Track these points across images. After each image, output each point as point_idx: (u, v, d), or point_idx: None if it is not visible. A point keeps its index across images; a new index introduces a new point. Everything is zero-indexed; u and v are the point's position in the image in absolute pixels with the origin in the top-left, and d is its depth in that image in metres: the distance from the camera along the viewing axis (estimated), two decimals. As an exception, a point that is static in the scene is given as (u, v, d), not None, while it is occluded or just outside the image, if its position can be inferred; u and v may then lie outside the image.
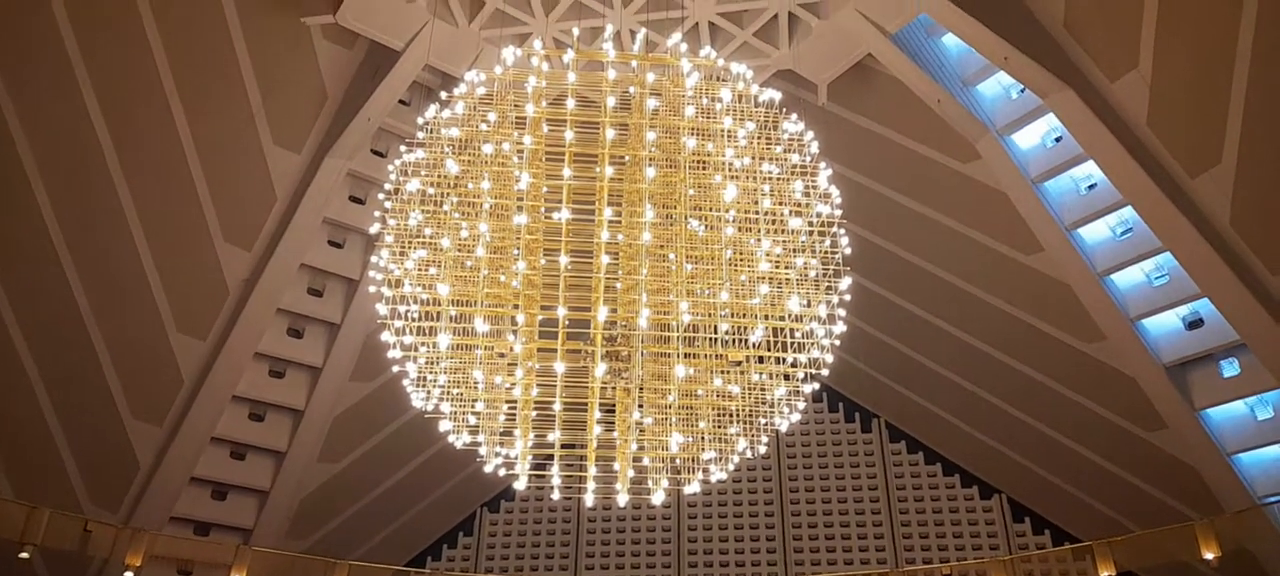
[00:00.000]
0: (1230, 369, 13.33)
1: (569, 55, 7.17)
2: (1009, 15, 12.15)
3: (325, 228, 14.74)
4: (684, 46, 7.57)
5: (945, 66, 13.24)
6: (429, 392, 7.51)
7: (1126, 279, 13.64)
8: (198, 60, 12.61)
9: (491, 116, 7.31)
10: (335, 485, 16.05)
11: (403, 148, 7.69)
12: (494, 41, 12.58)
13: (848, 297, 7.40)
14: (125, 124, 12.51)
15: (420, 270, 7.27)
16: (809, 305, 7.16)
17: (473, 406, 7.37)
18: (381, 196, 7.71)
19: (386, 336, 7.36)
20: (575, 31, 8.28)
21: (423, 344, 7.29)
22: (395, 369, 7.49)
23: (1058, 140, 13.19)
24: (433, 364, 7.38)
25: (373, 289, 7.56)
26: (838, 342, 7.38)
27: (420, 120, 7.65)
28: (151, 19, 12.03)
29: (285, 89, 13.38)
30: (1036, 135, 13.41)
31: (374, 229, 7.67)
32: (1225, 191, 11.86)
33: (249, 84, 13.06)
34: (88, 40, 11.81)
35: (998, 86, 13.38)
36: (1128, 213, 13.00)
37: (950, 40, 13.10)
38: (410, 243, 7.32)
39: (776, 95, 7.43)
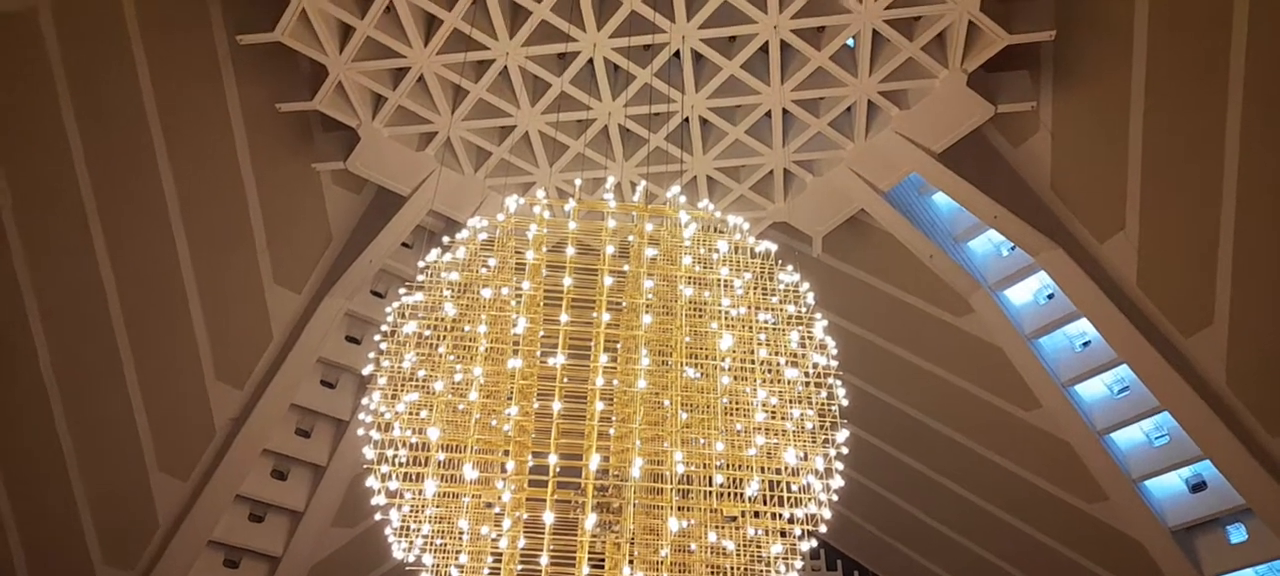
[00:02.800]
0: (1238, 534, 12.99)
1: (571, 204, 7.35)
2: (998, 176, 12.57)
3: (319, 367, 14.66)
4: (682, 198, 7.77)
5: (937, 223, 13.58)
6: (411, 542, 7.25)
7: (1127, 438, 13.50)
8: (208, 200, 12.90)
9: (492, 261, 7.43)
10: (309, 638, 15.26)
11: (402, 289, 7.76)
12: (498, 189, 12.93)
13: (845, 450, 7.27)
14: (129, 261, 12.65)
15: (411, 413, 7.18)
16: (806, 458, 7.03)
17: (456, 558, 7.10)
18: (377, 337, 7.71)
19: (372, 481, 7.18)
20: (578, 182, 8.51)
21: (408, 490, 7.10)
22: (378, 516, 7.26)
23: (1050, 297, 13.36)
24: (417, 511, 7.16)
25: (361, 432, 7.44)
26: (836, 497, 7.19)
27: (421, 263, 7.75)
28: (166, 160, 12.38)
29: (291, 230, 13.64)
30: (1029, 292, 13.59)
31: (367, 370, 7.62)
32: (1219, 352, 11.92)
33: (256, 225, 13.31)
34: (100, 177, 12.11)
35: (989, 243, 13.68)
36: (1124, 371, 13.01)
37: (941, 198, 13.50)
38: (403, 385, 7.26)
39: (772, 246, 7.57)
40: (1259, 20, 10.18)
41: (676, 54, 11.46)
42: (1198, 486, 13.14)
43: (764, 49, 11.31)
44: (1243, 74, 10.46)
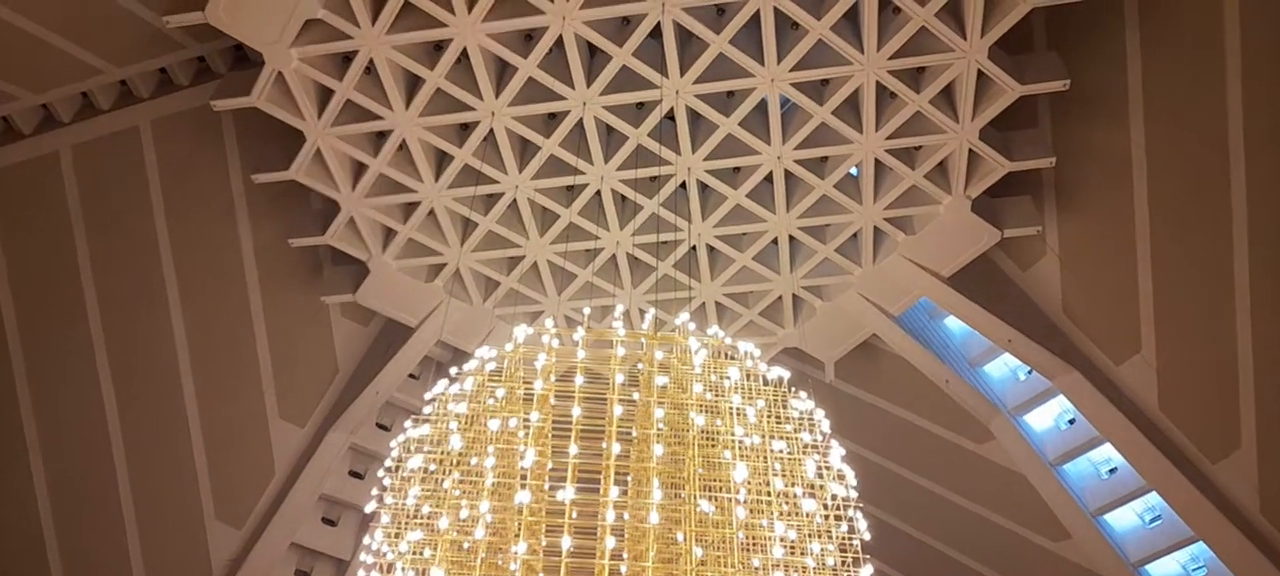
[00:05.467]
0: (1285, 671, 12.17)
1: (579, 332, 7.28)
2: (1008, 300, 12.51)
3: (320, 504, 14.27)
4: (692, 325, 7.70)
5: (950, 347, 13.43)
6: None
7: (1163, 570, 12.87)
8: (216, 337, 12.91)
9: (500, 392, 7.29)
10: None
11: (408, 422, 7.59)
12: (507, 319, 12.92)
13: (870, 588, 6.90)
14: (133, 398, 12.57)
15: (415, 552, 6.88)
16: (829, 596, 6.65)
17: None
18: (381, 472, 7.50)
19: (372, 627, 6.81)
20: (586, 310, 8.49)
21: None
22: (378, 666, 6.85)
23: (1071, 422, 13.04)
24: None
25: (362, 573, 7.11)
26: (862, 639, 6.77)
27: (427, 395, 7.61)
28: (177, 298, 12.47)
29: (298, 364, 13.58)
30: (1050, 417, 13.28)
31: (370, 507, 7.37)
32: (1251, 477, 11.51)
33: (263, 360, 13.27)
34: (110, 313, 12.18)
35: (1005, 367, 13.47)
36: (1154, 498, 12.55)
37: (954, 322, 13.41)
38: (406, 523, 6.99)
39: (785, 373, 7.43)
40: (1254, 143, 10.34)
41: (683, 184, 11.66)
42: (1243, 621, 12.41)
43: (768, 179, 11.51)
44: (1244, 192, 10.54)
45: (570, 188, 11.76)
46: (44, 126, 11.64)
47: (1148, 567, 12.89)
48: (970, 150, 11.08)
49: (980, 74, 10.37)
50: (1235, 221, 10.69)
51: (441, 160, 11.59)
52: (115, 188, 11.89)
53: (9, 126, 11.53)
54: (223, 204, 12.33)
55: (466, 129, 11.24)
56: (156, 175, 11.92)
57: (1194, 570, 12.72)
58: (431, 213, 12.01)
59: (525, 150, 11.48)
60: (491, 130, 10.98)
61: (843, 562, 6.90)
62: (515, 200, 11.82)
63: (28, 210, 11.78)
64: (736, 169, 11.60)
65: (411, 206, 12.01)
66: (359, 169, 11.62)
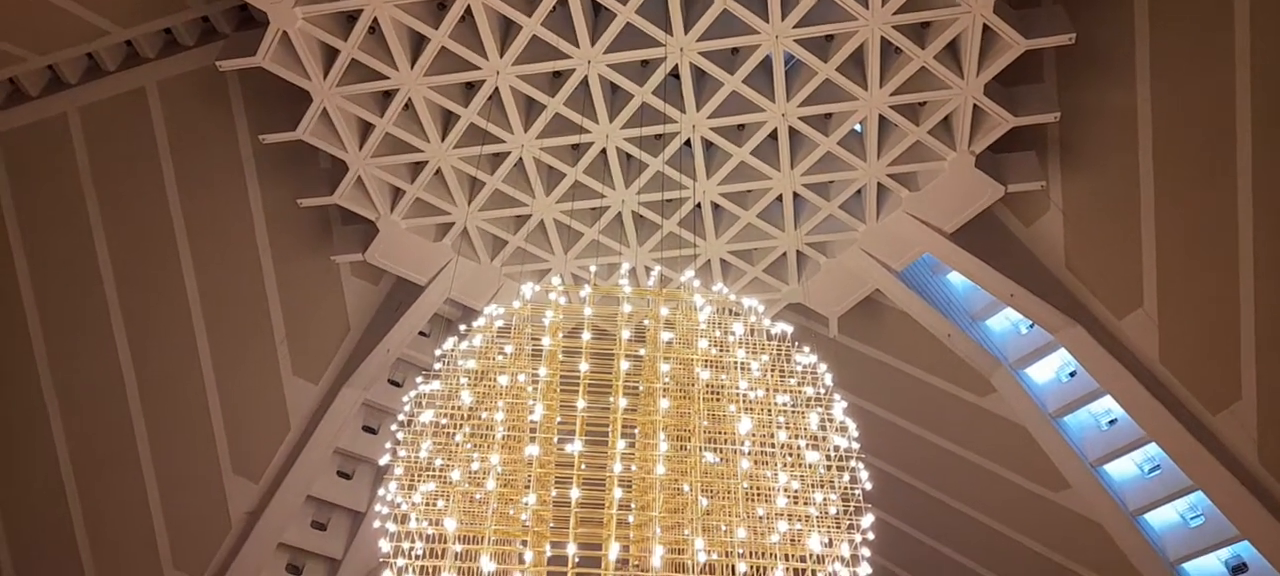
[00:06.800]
0: (1284, 618, 12.44)
1: (586, 290, 7.41)
2: (1011, 255, 12.57)
3: (335, 458, 14.58)
4: (697, 282, 7.82)
5: (953, 302, 13.53)
6: (429, 637, 7.07)
7: (1161, 519, 13.09)
8: (229, 295, 13.10)
9: (508, 348, 7.45)
10: None
11: (419, 378, 7.77)
12: (514, 277, 13.06)
13: (871, 536, 7.10)
14: (149, 355, 12.79)
15: (428, 504, 7.09)
16: (831, 544, 6.86)
17: (474, 653, 6.90)
18: (394, 427, 7.70)
19: (388, 575, 7.05)
20: (593, 268, 8.62)
21: (425, 583, 6.96)
22: (395, 611, 7.11)
23: (1072, 375, 13.18)
24: (434, 605, 7.01)
25: (378, 524, 7.34)
26: (863, 585, 6.98)
27: (438, 351, 7.78)
28: (189, 257, 12.63)
29: (310, 323, 13.77)
30: (1051, 370, 13.41)
31: (384, 460, 7.58)
32: (1250, 429, 11.65)
33: (275, 318, 13.47)
34: (124, 275, 12.35)
35: (1006, 321, 13.58)
36: (1153, 449, 12.72)
37: (957, 277, 13.49)
38: (419, 475, 7.20)
39: (788, 328, 7.55)
40: (1261, 103, 10.31)
41: (687, 142, 11.69)
42: (1238, 568, 12.67)
43: (773, 136, 11.53)
44: (1250, 151, 10.53)
45: (576, 146, 11.81)
46: (51, 88, 11.71)
47: (1146, 516, 13.11)
48: (975, 106, 11.06)
49: (985, 28, 10.32)
50: (1240, 179, 10.70)
51: (447, 120, 11.64)
52: (124, 150, 11.98)
53: (16, 88, 11.60)
54: (232, 165, 12.43)
55: (471, 88, 11.27)
56: (165, 137, 12.00)
57: (1192, 518, 12.93)
58: (438, 172, 12.09)
59: (530, 109, 11.52)
60: (497, 89, 11.02)
61: (844, 512, 7.09)
62: (521, 159, 11.88)
63: (39, 173, 11.90)
64: (741, 126, 11.62)
65: (418, 166, 12.09)
66: (365, 129, 11.68)
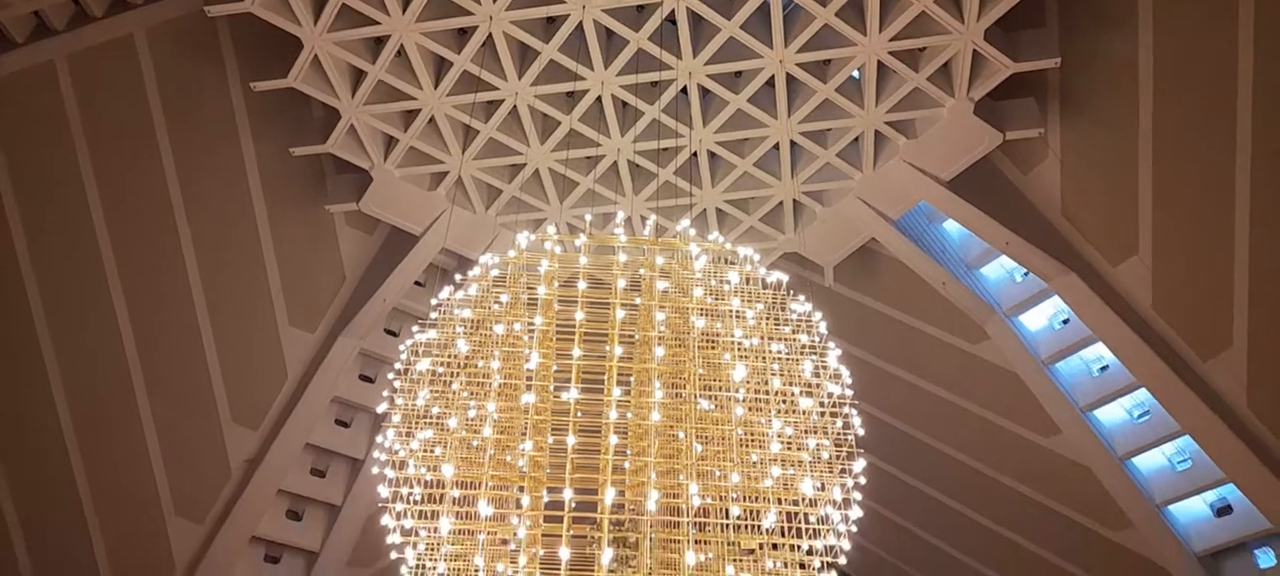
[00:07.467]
0: (1266, 559, 12.74)
1: (582, 239, 7.40)
2: (1007, 203, 12.55)
3: (333, 407, 14.69)
4: (692, 231, 7.81)
5: (948, 250, 13.55)
6: (428, 581, 7.20)
7: (1149, 463, 13.30)
8: (223, 245, 13.06)
9: (504, 298, 7.45)
10: (326, 682, 15.10)
11: (415, 327, 7.79)
12: (510, 226, 13.03)
13: (863, 480, 7.20)
14: (145, 305, 12.78)
15: (426, 450, 7.17)
16: (823, 488, 6.96)
17: (473, 596, 7.05)
18: (391, 375, 7.74)
19: (387, 520, 7.16)
20: (588, 217, 8.59)
21: (424, 528, 7.07)
22: (394, 555, 7.23)
23: (1065, 322, 13.27)
24: (433, 549, 7.13)
25: (376, 470, 7.43)
26: (855, 527, 7.11)
27: (433, 301, 7.79)
28: (183, 207, 12.55)
29: (305, 273, 13.76)
30: (1044, 317, 13.50)
31: (382, 408, 7.64)
32: (1240, 375, 11.77)
33: (271, 270, 13.45)
34: (117, 225, 12.28)
35: (1001, 269, 13.62)
36: (1143, 394, 12.87)
37: (952, 225, 13.49)
38: (417, 423, 7.26)
39: (784, 277, 7.57)
40: (1263, 56, 10.20)
41: (684, 90, 11.57)
42: (1223, 510, 12.92)
43: (770, 83, 11.42)
44: (1250, 103, 10.46)
45: (571, 94, 11.69)
46: (37, 34, 11.50)
47: (1135, 460, 13.31)
48: (975, 51, 10.95)
49: (988, -30, 10.18)
50: (1239, 131, 10.64)
51: (441, 67, 11.50)
52: (115, 101, 11.82)
53: (2, 35, 11.40)
54: (224, 115, 12.29)
55: (464, 34, 11.11)
56: (155, 87, 11.84)
57: (1179, 462, 13.13)
58: (432, 120, 11.98)
59: (525, 56, 11.37)
60: (490, 35, 10.86)
61: (837, 457, 7.18)
62: (515, 107, 11.77)
63: (29, 123, 11.74)
64: (738, 73, 11.49)
65: (412, 114, 11.97)
66: (358, 77, 11.54)
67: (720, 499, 6.69)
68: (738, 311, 7.12)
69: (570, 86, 11.40)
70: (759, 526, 6.70)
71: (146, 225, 12.52)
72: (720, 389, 7.02)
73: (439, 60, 11.43)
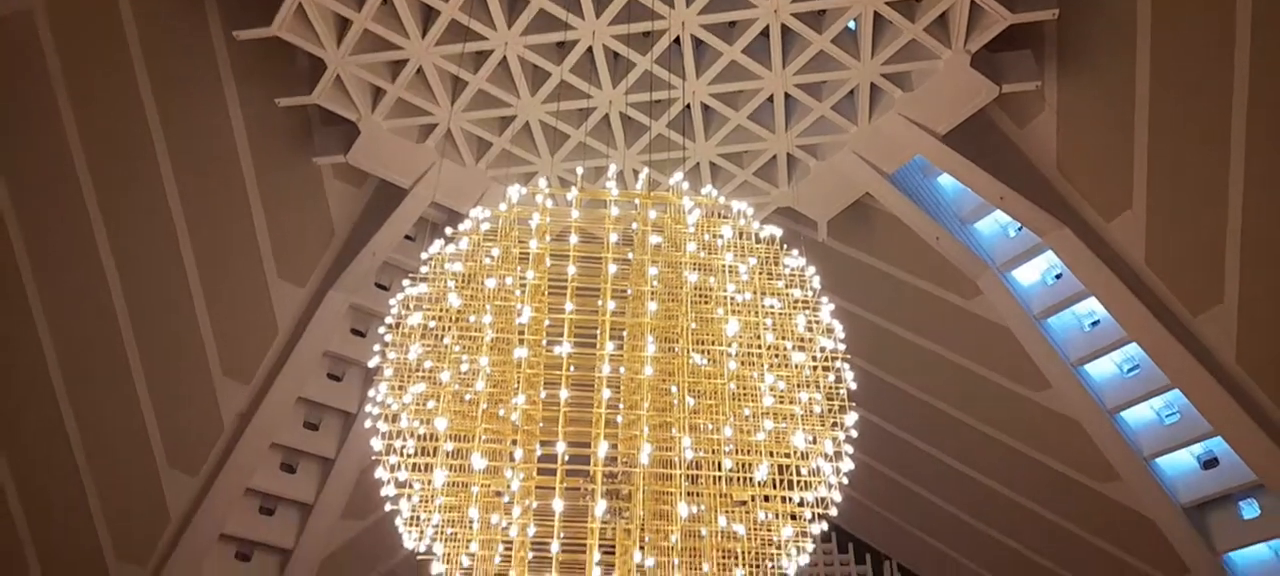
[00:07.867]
0: (1250, 510, 12.96)
1: (573, 193, 7.31)
2: (1003, 157, 12.48)
3: (325, 361, 14.67)
4: (686, 185, 7.72)
5: (943, 205, 13.50)
6: (422, 532, 7.24)
7: (1137, 416, 13.44)
8: (210, 198, 12.90)
9: (495, 252, 7.38)
10: (322, 631, 15.31)
11: (406, 282, 7.73)
12: (500, 180, 12.89)
13: (854, 433, 7.24)
14: (133, 260, 12.66)
15: (418, 404, 7.15)
16: (815, 441, 6.99)
17: (466, 547, 7.09)
18: (382, 330, 7.70)
19: (381, 472, 7.17)
20: (579, 170, 8.48)
21: (417, 481, 7.09)
22: (388, 507, 7.26)
23: (1058, 277, 13.29)
24: (427, 501, 7.16)
25: (369, 424, 7.42)
26: (846, 480, 7.16)
27: (424, 255, 7.72)
28: (168, 160, 12.36)
29: (294, 226, 13.63)
30: (1036, 272, 13.51)
31: (373, 362, 7.60)
32: (1230, 330, 11.84)
33: (259, 223, 13.31)
34: (101, 179, 12.09)
35: (995, 224, 13.60)
36: (1133, 349, 12.95)
37: (947, 180, 13.42)
38: (409, 376, 7.24)
39: (777, 231, 7.51)
40: (1262, 12, 10.07)
41: (676, 40, 11.38)
42: (1209, 463, 13.10)
43: (764, 33, 11.23)
44: (1248, 52, 10.36)
45: (561, 44, 11.48)
46: (15, -18, 11.18)
47: (1123, 414, 13.44)
48: (972, 1, 10.78)
49: (986, -81, 9.98)
50: (1236, 87, 10.56)
51: (428, 16, 11.26)
52: (96, 51, 11.55)
53: (-22, -18, 11.08)
54: (208, 66, 12.05)
55: (453, -18, 10.86)
56: (137, 36, 11.56)
57: (1167, 416, 13.27)
58: (420, 71, 11.77)
59: (514, 5, 11.14)
60: (479, -17, 10.63)
61: (829, 411, 7.20)
62: (505, 58, 11.56)
63: (8, 77, 11.48)
64: (732, 23, 11.30)
65: (399, 65, 11.76)
66: (343, 26, 11.31)
67: (712, 452, 6.71)
68: (731, 266, 7.07)
69: (561, 36, 11.19)
70: (751, 479, 6.73)
71: (132, 178, 12.34)
72: (712, 343, 7.00)
73: (426, 9, 11.19)
